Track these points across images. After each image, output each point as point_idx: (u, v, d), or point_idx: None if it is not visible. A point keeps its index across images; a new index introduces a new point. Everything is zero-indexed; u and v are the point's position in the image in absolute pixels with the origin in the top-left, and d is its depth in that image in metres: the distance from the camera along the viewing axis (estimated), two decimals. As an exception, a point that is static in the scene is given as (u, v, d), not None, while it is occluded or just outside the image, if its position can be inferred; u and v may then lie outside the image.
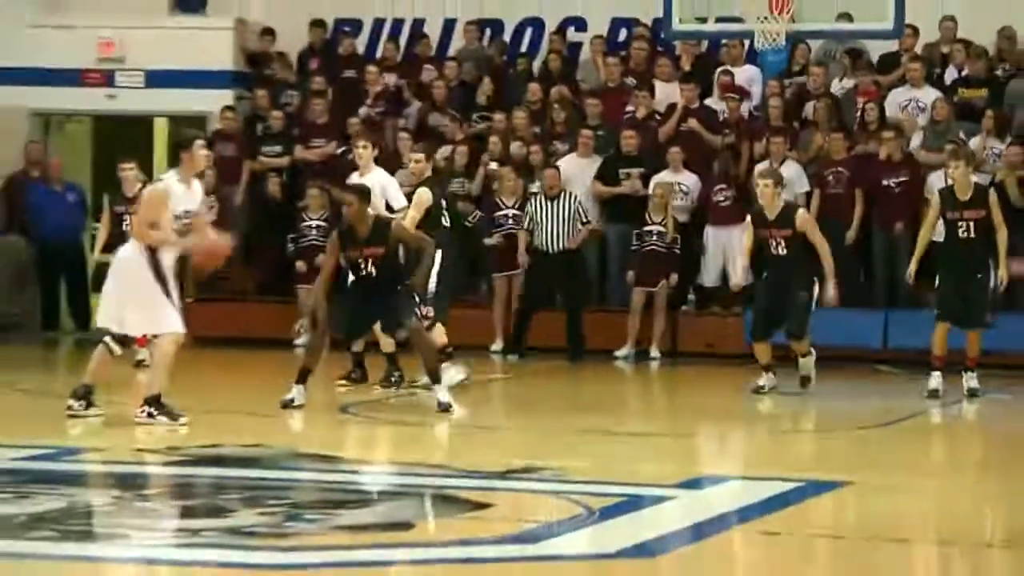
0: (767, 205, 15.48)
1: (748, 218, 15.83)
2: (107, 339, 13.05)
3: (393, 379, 15.40)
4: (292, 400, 13.93)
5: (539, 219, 19.36)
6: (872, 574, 8.61)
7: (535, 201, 19.44)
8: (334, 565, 8.41)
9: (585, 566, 8.65)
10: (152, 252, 12.89)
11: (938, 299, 15.72)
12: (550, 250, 19.37)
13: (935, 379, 15.45)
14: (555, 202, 19.40)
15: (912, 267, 15.77)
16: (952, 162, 15.87)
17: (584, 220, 19.47)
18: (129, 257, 13.01)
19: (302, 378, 13.98)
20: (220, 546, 8.76)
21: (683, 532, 9.41)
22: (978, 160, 19.05)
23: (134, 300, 12.90)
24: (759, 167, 18.32)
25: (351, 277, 14.31)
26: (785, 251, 15.39)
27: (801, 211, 15.98)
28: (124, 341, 13.20)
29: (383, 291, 14.03)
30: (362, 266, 13.99)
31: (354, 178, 15.68)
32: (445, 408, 13.87)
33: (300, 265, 19.82)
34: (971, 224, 15.41)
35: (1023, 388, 16.96)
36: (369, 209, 14.18)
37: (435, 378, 14.04)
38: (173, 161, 13.61)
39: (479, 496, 10.18)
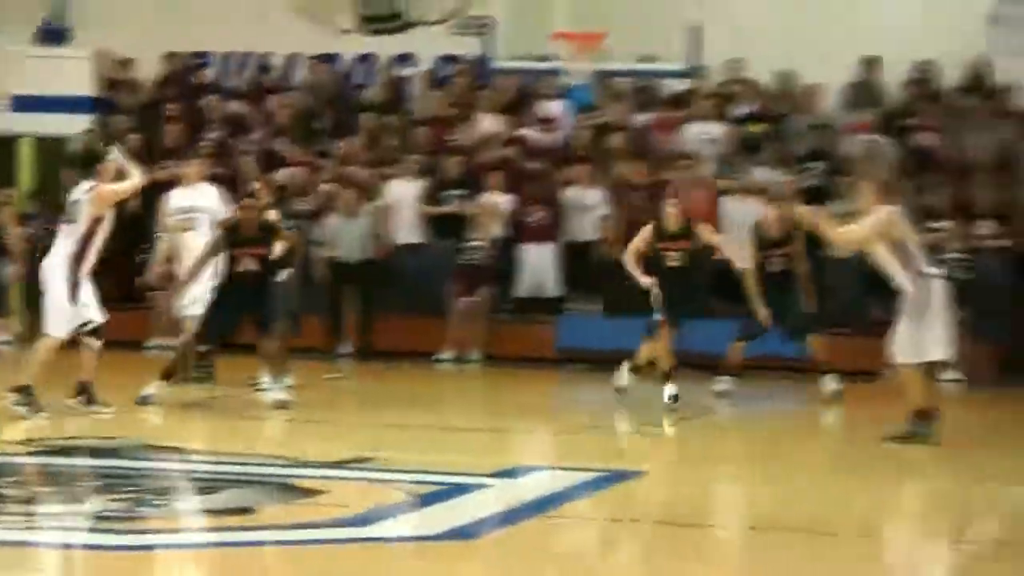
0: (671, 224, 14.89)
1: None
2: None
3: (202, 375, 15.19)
4: (150, 396, 13.73)
5: (342, 235, 19.36)
6: (665, 554, 8.64)
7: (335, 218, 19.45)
8: (180, 546, 8.34)
9: (409, 547, 8.60)
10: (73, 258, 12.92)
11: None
12: (350, 261, 19.33)
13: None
14: (354, 219, 19.39)
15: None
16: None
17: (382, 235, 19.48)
18: (52, 264, 13.05)
19: (166, 376, 13.81)
20: (76, 529, 8.63)
21: (497, 516, 9.40)
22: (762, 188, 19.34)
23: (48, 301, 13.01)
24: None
25: (226, 277, 13.92)
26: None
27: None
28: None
29: (259, 291, 13.81)
30: (245, 264, 13.74)
31: (177, 194, 15.50)
32: (281, 405, 13.76)
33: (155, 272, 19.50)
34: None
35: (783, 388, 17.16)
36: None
37: (274, 378, 13.95)
38: (86, 173, 13.42)
39: (313, 484, 10.10)
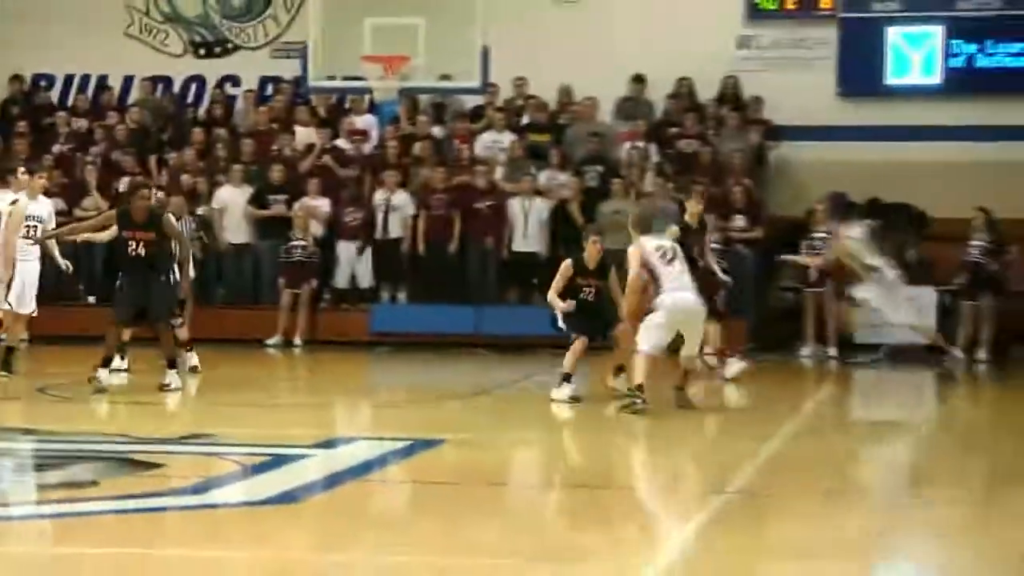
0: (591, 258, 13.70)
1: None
2: None
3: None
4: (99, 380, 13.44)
5: None
6: (463, 511, 8.70)
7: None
8: (31, 517, 8.24)
9: (240, 511, 8.56)
10: None
11: None
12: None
13: None
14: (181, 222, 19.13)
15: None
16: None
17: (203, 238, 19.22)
18: None
19: (105, 363, 13.56)
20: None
21: (319, 482, 9.39)
22: (545, 188, 19.50)
23: None
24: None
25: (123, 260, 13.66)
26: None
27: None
28: None
29: (149, 277, 13.52)
30: (133, 247, 13.43)
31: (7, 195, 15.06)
32: (176, 388, 13.59)
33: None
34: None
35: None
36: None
37: (172, 364, 13.71)
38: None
39: (155, 458, 9.98)
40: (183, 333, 14.95)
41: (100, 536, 7.83)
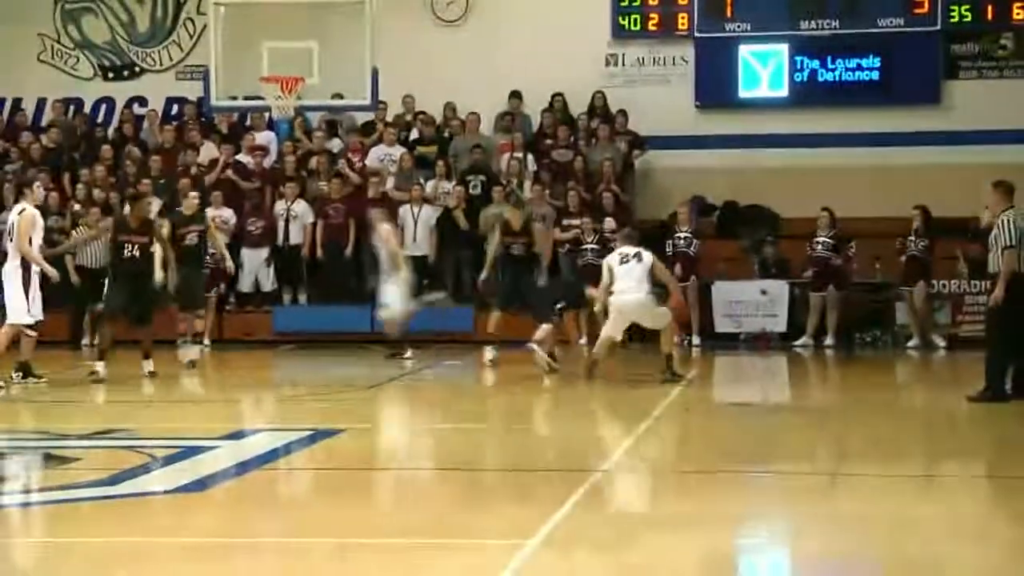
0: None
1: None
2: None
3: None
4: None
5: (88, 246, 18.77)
6: (367, 495, 8.67)
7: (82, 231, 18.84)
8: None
9: (153, 499, 8.46)
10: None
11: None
12: (94, 267, 18.75)
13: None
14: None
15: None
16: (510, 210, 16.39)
17: None
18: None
19: (102, 356, 14.30)
20: None
21: (227, 471, 9.30)
22: (432, 196, 19.48)
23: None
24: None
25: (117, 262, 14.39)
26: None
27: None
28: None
29: (140, 278, 14.27)
30: (129, 250, 14.17)
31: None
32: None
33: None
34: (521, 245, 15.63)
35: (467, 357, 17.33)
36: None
37: (147, 356, 14.59)
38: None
39: (70, 453, 9.83)
40: (199, 325, 15.90)
41: (21, 527, 7.71)
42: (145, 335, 14.63)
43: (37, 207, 14.37)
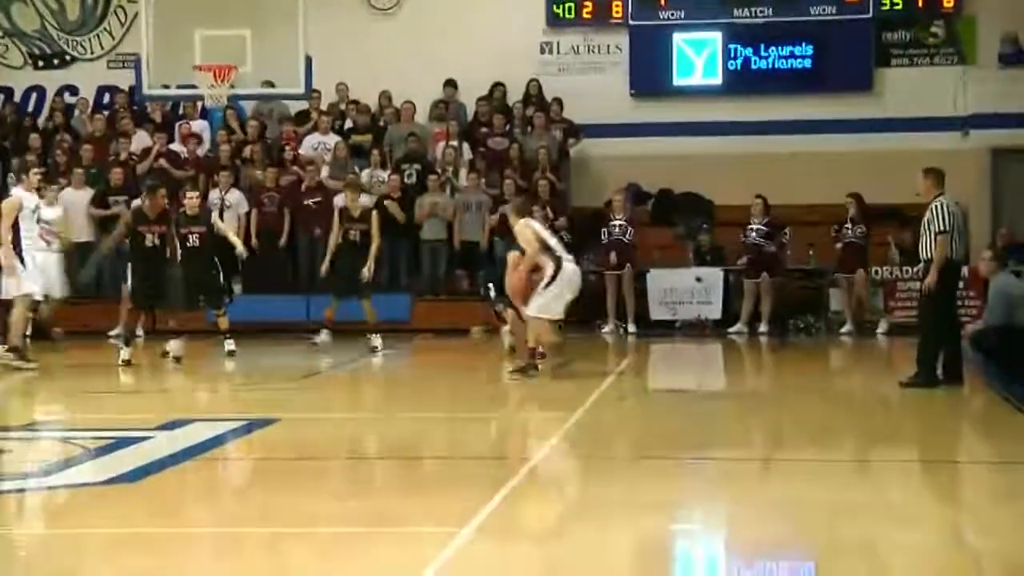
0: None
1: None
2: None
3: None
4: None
5: None
6: (303, 484, 8.62)
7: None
8: None
9: (84, 491, 8.35)
10: None
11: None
12: None
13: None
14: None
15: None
16: (348, 192, 16.48)
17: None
18: None
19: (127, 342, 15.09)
20: None
21: (159, 462, 9.17)
22: (368, 185, 19.39)
23: None
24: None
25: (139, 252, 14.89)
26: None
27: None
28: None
29: (161, 266, 14.88)
30: (150, 239, 14.79)
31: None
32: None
33: None
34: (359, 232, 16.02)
35: (402, 345, 17.30)
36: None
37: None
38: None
39: (2, 445, 9.69)
40: (224, 322, 15.82)
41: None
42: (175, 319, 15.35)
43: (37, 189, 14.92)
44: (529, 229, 13.22)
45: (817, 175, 19.99)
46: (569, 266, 13.28)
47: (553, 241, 13.44)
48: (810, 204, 19.39)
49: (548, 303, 13.13)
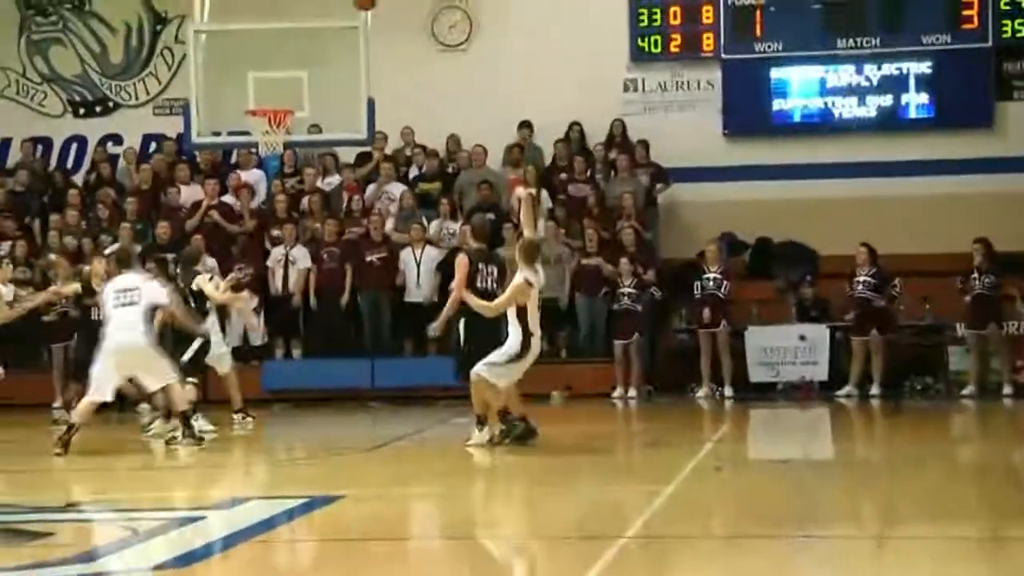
0: None
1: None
2: None
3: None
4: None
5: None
6: (370, 567, 8.66)
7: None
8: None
9: (132, 578, 8.46)
10: None
11: None
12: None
13: None
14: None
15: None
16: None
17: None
18: None
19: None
20: None
21: (213, 544, 9.26)
22: (437, 238, 19.52)
23: None
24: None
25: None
26: None
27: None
28: None
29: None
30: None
31: None
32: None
33: None
34: None
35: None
36: None
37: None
38: None
39: (43, 527, 9.81)
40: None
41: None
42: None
43: None
44: (525, 282, 12.82)
45: (931, 220, 19.88)
46: (537, 346, 13.04)
47: (533, 308, 12.99)
48: (924, 253, 19.27)
49: (504, 374, 13.00)
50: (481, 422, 13.23)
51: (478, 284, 13.41)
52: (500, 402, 13.12)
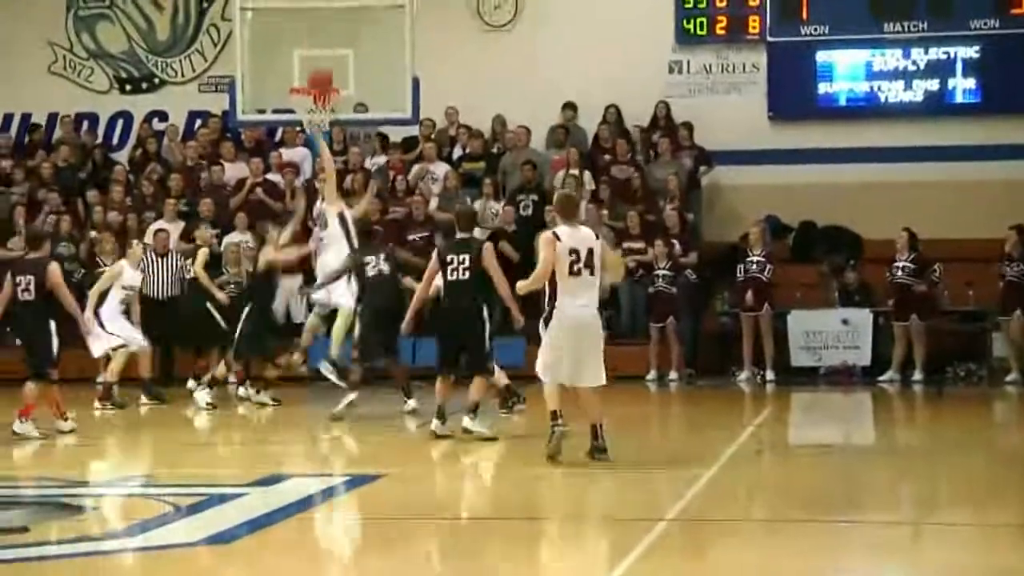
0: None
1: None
2: None
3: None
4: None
5: (149, 272, 18.76)
6: (409, 546, 8.70)
7: (148, 256, 18.75)
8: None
9: (174, 552, 8.52)
10: None
11: None
12: (159, 297, 18.91)
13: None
14: (164, 259, 18.97)
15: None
16: None
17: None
18: None
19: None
20: None
21: (255, 521, 9.32)
22: (481, 218, 19.52)
23: None
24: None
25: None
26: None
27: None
28: None
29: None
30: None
31: None
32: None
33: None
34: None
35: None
36: None
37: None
38: None
39: (86, 502, 9.91)
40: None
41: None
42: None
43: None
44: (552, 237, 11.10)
45: (977, 206, 19.76)
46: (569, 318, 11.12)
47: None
48: (969, 238, 19.16)
49: (542, 360, 11.30)
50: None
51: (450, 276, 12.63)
52: (548, 398, 11.27)
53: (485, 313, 12.88)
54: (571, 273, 10.94)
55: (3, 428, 13.50)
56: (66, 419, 13.64)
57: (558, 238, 11.01)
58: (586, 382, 11.14)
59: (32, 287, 13.49)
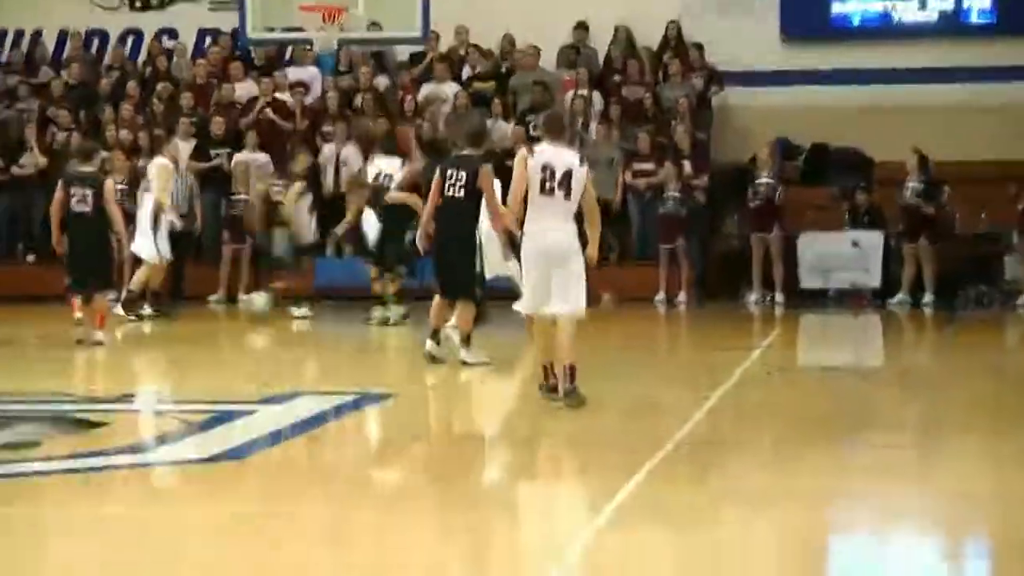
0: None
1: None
2: None
3: None
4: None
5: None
6: (416, 465, 8.74)
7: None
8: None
9: (186, 468, 8.57)
10: None
11: None
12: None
13: None
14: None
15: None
16: None
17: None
18: None
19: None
20: None
21: (265, 438, 9.36)
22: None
23: None
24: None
25: None
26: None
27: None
28: None
29: None
30: None
31: None
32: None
33: None
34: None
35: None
36: None
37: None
38: None
39: (98, 417, 9.96)
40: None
41: (46, 496, 7.84)
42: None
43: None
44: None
45: (994, 128, 19.65)
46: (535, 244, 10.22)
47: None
48: (984, 160, 19.09)
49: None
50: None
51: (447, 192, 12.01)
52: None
53: (478, 237, 12.49)
54: (542, 191, 10.02)
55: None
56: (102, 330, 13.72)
57: (532, 154, 10.17)
58: (555, 308, 10.13)
59: (90, 199, 13.52)
